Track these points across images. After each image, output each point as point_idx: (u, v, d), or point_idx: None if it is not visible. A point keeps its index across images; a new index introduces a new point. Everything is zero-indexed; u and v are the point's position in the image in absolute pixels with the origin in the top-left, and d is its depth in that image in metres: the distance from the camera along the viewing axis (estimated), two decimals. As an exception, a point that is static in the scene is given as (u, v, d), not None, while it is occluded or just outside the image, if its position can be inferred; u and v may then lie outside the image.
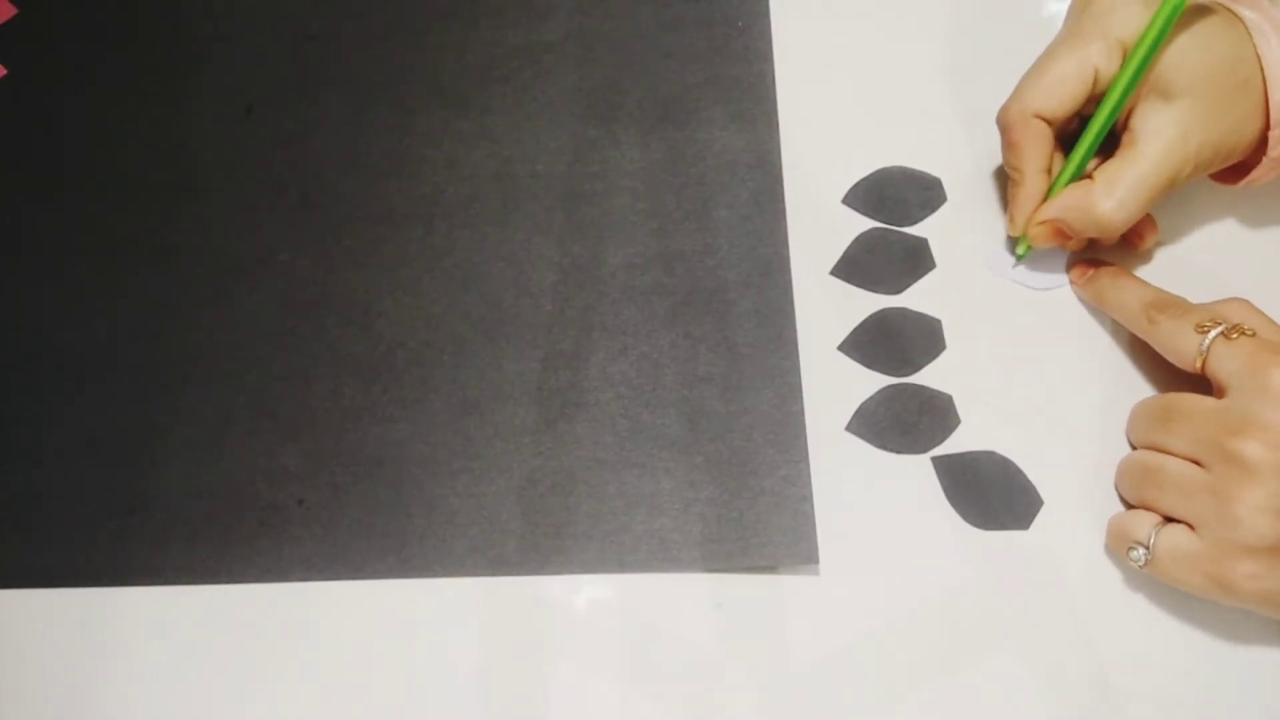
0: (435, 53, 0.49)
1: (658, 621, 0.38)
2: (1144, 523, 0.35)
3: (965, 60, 0.47)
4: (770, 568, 0.38)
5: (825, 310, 0.43)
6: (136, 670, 0.38)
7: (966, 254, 0.43)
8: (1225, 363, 0.35)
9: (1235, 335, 0.35)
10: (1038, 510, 0.39)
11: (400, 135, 0.47)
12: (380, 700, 0.37)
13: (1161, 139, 0.38)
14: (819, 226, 0.44)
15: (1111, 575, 0.37)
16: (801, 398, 0.40)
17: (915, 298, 0.43)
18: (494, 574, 0.38)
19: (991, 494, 0.39)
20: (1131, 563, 0.35)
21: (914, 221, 0.44)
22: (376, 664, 0.37)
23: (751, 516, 0.38)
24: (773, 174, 0.45)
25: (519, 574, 0.38)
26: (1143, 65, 0.37)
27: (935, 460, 0.39)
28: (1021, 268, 0.43)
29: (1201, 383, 0.36)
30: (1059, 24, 0.41)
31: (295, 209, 0.46)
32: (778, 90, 0.47)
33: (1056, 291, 0.42)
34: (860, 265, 0.43)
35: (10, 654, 0.38)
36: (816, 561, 0.37)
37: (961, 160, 0.45)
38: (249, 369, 0.43)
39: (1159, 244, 0.43)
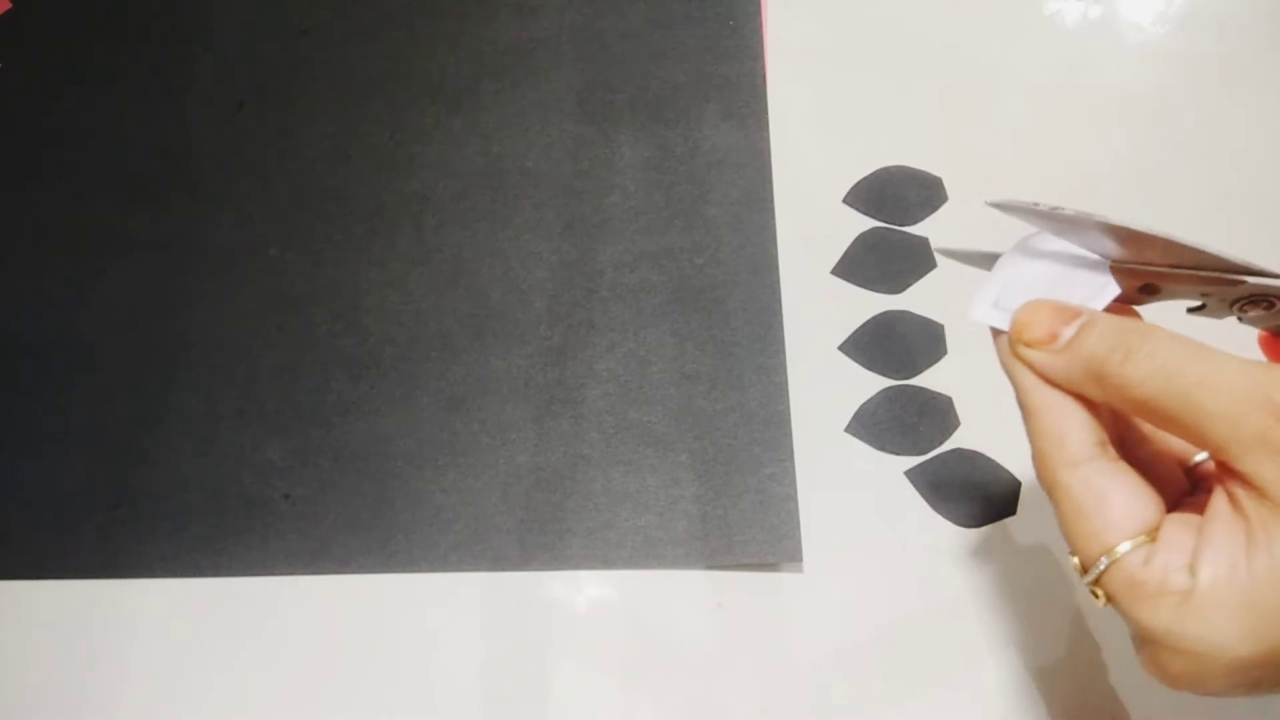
0: (427, 49, 0.49)
1: (658, 621, 0.37)
2: None
3: (965, 58, 0.47)
4: (771, 566, 0.38)
5: (826, 310, 0.43)
6: (123, 662, 0.38)
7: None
8: None
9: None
10: (1017, 492, 0.38)
11: (391, 131, 0.47)
12: (366, 693, 0.37)
13: None
14: (820, 226, 0.44)
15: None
16: (788, 396, 0.40)
17: (916, 297, 0.43)
18: (479, 569, 0.38)
19: (970, 490, 0.39)
20: None
21: (915, 221, 0.44)
22: (360, 658, 0.37)
23: (736, 514, 0.38)
24: (762, 173, 0.45)
25: (504, 569, 0.38)
26: None
27: (909, 474, 0.39)
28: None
29: None
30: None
31: (285, 204, 0.46)
32: (778, 89, 0.47)
33: None
34: (861, 265, 0.43)
35: (-4, 645, 0.38)
36: (800, 560, 0.37)
37: (962, 160, 0.45)
38: (237, 363, 0.43)
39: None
